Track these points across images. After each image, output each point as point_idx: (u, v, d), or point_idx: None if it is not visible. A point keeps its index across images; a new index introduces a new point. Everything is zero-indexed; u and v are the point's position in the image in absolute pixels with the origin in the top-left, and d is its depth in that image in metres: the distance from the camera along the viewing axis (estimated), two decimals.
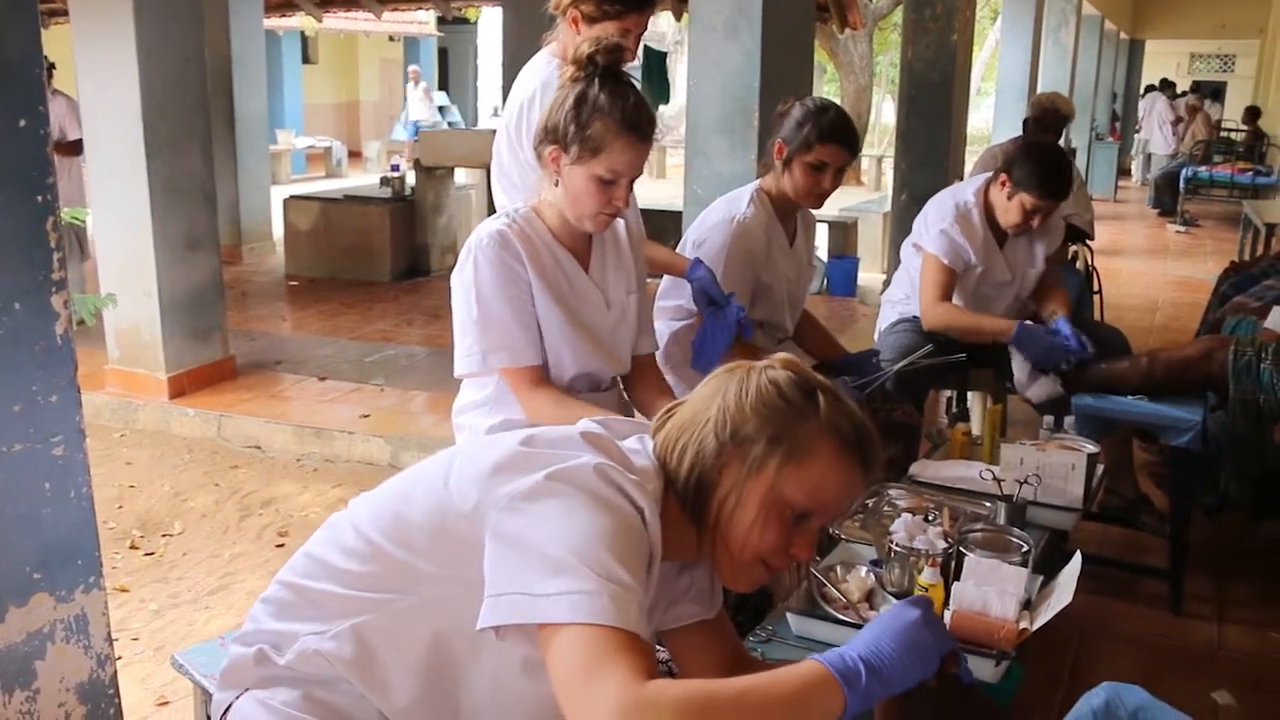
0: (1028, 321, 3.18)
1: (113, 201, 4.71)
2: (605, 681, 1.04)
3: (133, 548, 3.62)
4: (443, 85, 20.76)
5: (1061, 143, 5.04)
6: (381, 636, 1.29)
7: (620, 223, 2.19)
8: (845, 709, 1.09)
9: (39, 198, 1.70)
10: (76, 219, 4.06)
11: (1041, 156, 3.19)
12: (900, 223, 6.22)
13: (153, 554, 3.58)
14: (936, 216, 3.32)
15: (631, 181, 2.01)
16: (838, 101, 16.51)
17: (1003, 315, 3.39)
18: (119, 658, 2.62)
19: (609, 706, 1.02)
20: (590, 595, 1.09)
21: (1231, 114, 16.79)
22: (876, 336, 3.62)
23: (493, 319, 1.98)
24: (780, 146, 2.69)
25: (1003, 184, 3.21)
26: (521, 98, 2.53)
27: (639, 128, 1.96)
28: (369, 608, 1.29)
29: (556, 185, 2.01)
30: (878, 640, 1.15)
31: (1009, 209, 3.21)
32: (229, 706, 1.38)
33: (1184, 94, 15.70)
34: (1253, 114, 13.71)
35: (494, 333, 1.99)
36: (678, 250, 2.83)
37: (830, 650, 1.14)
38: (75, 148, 5.76)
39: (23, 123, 1.66)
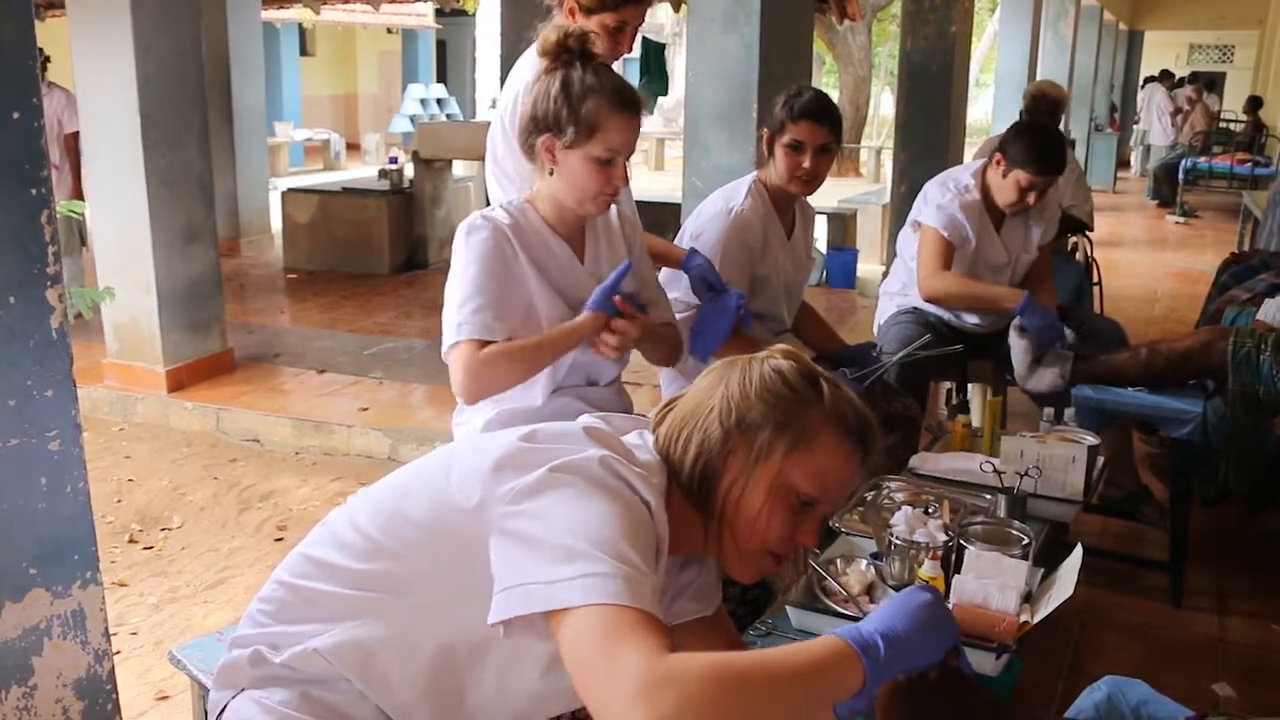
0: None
1: (110, 194, 4.70)
2: (626, 658, 1.01)
3: (131, 542, 3.62)
4: (441, 77, 20.70)
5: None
6: (381, 636, 1.28)
7: (611, 208, 2.19)
8: (865, 682, 1.08)
9: (33, 190, 1.69)
10: (73, 212, 4.05)
11: (1034, 133, 3.24)
12: (899, 214, 6.21)
13: (151, 548, 3.58)
14: (936, 194, 3.36)
15: (627, 159, 2.00)
16: (836, 93, 16.52)
17: None
18: (118, 652, 2.62)
19: (633, 682, 0.98)
20: (604, 577, 1.07)
21: (1230, 105, 16.77)
22: (876, 329, 3.62)
23: (470, 293, 1.94)
24: (765, 135, 2.73)
25: (998, 163, 3.25)
26: (516, 90, 2.52)
27: (632, 104, 1.96)
28: (368, 607, 1.28)
29: (551, 175, 2.00)
30: (891, 619, 1.14)
31: (1005, 187, 3.24)
32: (225, 706, 1.37)
33: (1181, 81, 15.66)
34: (1254, 104, 13.67)
35: (469, 306, 1.94)
36: (675, 243, 2.82)
37: (846, 626, 1.13)
38: (75, 140, 5.75)
39: (16, 115, 1.65)
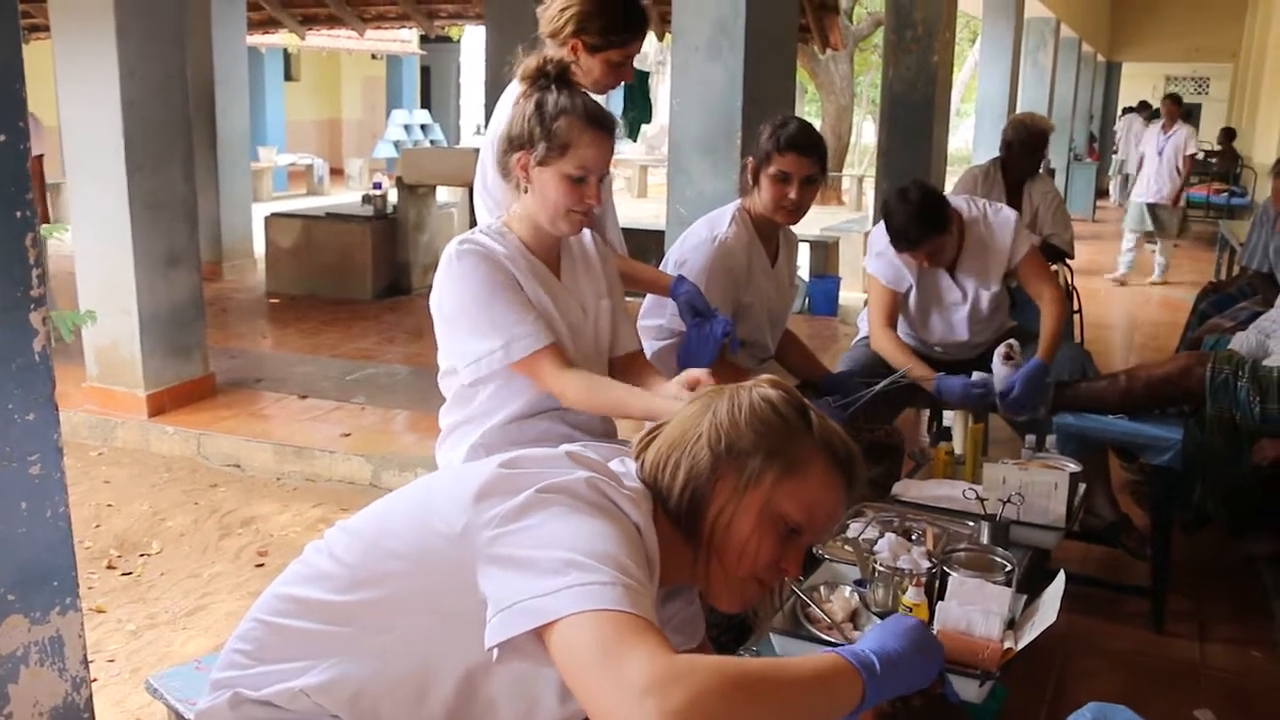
0: (952, 378, 3.11)
1: (92, 218, 4.68)
2: (631, 658, 0.98)
3: (110, 567, 3.58)
4: (425, 103, 20.76)
5: (1041, 165, 5.08)
6: (367, 672, 1.26)
7: (586, 233, 2.21)
8: (863, 698, 1.08)
9: (18, 213, 1.69)
10: (50, 235, 4.02)
11: (887, 212, 3.22)
12: None
13: (130, 574, 3.54)
14: (877, 238, 3.36)
15: (600, 179, 2.03)
16: (818, 121, 16.65)
17: (963, 335, 3.42)
18: (94, 679, 2.59)
19: (642, 680, 0.96)
20: (602, 585, 1.05)
21: (1206, 136, 16.99)
22: None
23: (498, 311, 1.98)
24: (749, 163, 2.75)
25: None
26: (504, 116, 2.54)
27: (602, 122, 2.00)
28: (350, 643, 1.27)
29: (526, 193, 2.04)
30: (883, 641, 1.15)
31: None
32: None
33: (1158, 112, 15.84)
34: (1228, 135, 13.86)
35: (506, 324, 1.98)
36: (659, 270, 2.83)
37: (841, 646, 1.14)
38: (39, 164, 5.69)
39: (2, 138, 1.65)
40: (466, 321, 2.01)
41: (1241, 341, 3.45)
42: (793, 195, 2.69)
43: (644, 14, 2.55)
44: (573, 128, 1.97)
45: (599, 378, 2.07)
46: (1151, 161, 9.46)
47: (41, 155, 5.36)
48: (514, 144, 2.02)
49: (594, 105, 2.02)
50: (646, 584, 1.11)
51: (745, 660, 1.05)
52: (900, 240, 3.18)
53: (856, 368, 3.24)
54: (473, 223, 2.62)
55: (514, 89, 2.58)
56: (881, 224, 3.36)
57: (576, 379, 2.02)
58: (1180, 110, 9.89)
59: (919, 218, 3.14)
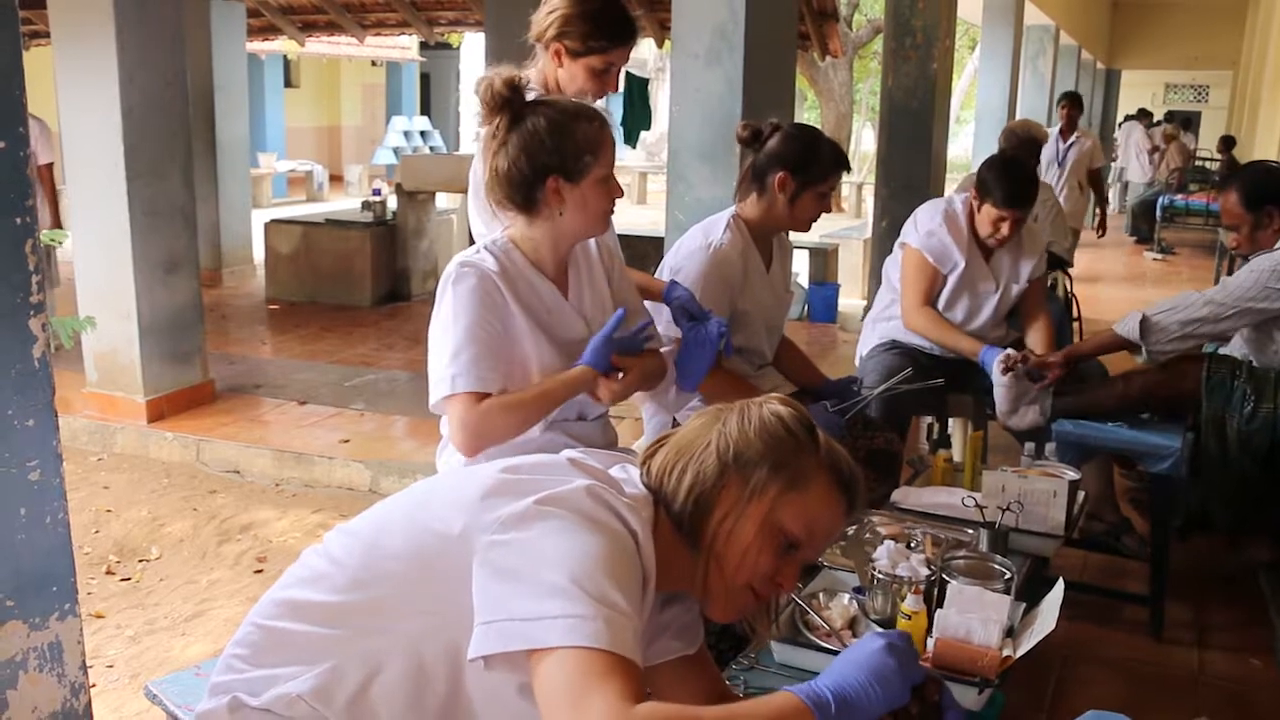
0: (996, 349, 3.28)
1: (92, 224, 4.68)
2: (592, 706, 1.04)
3: (109, 573, 3.58)
4: (424, 110, 20.77)
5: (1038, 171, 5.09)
6: (363, 675, 1.27)
7: (593, 246, 2.20)
8: None
9: (18, 219, 1.69)
10: (52, 241, 4.03)
11: (1002, 167, 3.33)
12: (881, 248, 6.25)
13: (129, 579, 3.54)
14: (926, 218, 3.44)
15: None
16: (819, 128, 16.72)
17: (985, 323, 3.48)
18: (93, 685, 2.59)
19: None
20: (584, 619, 1.09)
21: (1205, 143, 17.02)
22: (857, 360, 3.64)
23: (463, 344, 1.95)
24: (786, 179, 2.70)
25: (975, 196, 3.36)
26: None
27: (598, 112, 2.00)
28: (345, 645, 1.27)
29: (561, 215, 1.99)
30: (844, 672, 1.16)
31: (981, 221, 3.36)
32: None
33: (1159, 123, 15.88)
34: (1227, 143, 13.88)
35: (462, 357, 1.95)
36: (655, 277, 2.83)
37: (800, 683, 1.14)
38: (49, 171, 5.67)
39: (1, 144, 1.65)
40: (438, 347, 1.98)
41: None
42: (828, 207, 2.78)
43: (631, 23, 2.51)
44: (590, 130, 1.94)
45: (503, 398, 1.98)
46: (1049, 176, 7.28)
47: (51, 164, 5.35)
48: (540, 171, 1.94)
49: (580, 103, 2.02)
50: (631, 612, 1.14)
51: (701, 710, 1.09)
52: (1010, 199, 3.27)
53: (887, 375, 3.15)
54: (470, 230, 2.62)
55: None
56: (929, 204, 3.50)
57: (486, 410, 1.95)
58: (1079, 112, 7.59)
59: (1033, 181, 3.37)
